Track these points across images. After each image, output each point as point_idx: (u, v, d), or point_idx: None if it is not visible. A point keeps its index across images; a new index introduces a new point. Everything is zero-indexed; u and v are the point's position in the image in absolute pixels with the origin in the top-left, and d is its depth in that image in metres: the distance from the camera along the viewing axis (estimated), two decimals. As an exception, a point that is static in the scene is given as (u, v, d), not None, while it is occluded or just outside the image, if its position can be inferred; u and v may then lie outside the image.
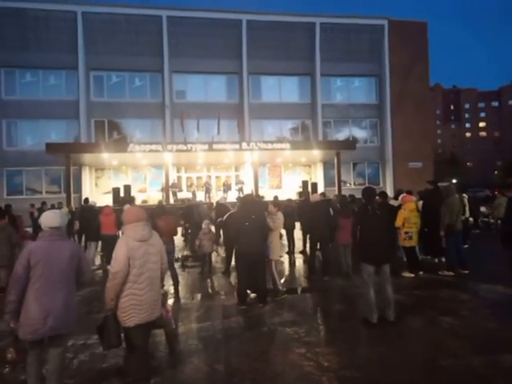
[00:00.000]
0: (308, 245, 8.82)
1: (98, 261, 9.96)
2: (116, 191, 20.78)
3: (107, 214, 9.12)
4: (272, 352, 4.23)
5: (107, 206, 9.71)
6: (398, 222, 7.37)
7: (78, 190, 22.26)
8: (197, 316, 5.52)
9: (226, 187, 22.94)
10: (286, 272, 8.50)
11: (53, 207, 12.97)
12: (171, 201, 21.01)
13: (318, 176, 25.99)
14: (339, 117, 26.95)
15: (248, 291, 6.19)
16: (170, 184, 21.50)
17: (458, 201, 7.65)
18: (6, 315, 3.04)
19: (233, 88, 25.69)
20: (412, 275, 7.44)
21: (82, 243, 10.93)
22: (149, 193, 23.94)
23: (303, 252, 10.40)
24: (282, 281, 7.18)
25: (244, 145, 20.43)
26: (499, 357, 3.90)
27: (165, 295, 3.92)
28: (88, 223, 9.89)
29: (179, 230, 11.22)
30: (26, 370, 3.17)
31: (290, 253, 10.39)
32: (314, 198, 8.25)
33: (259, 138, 23.23)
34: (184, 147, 19.87)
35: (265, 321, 5.21)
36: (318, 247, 7.73)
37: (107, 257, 8.82)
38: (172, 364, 3.95)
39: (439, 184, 8.95)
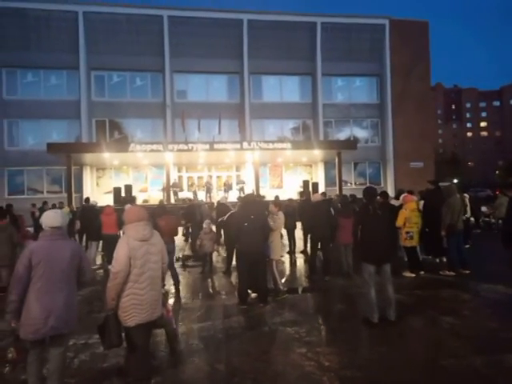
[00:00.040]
0: (309, 244, 8.82)
1: (98, 260, 9.98)
2: (117, 191, 20.79)
3: (108, 214, 9.12)
4: (273, 352, 4.23)
5: (108, 206, 9.72)
6: (399, 222, 7.36)
7: (79, 189, 22.27)
8: (198, 316, 5.52)
9: (227, 187, 22.95)
10: (287, 272, 8.49)
11: (54, 207, 12.98)
12: (172, 200, 21.02)
13: (318, 176, 25.98)
14: (340, 116, 26.93)
15: (249, 291, 6.19)
16: (170, 184, 21.51)
17: (459, 201, 7.63)
18: (7, 315, 3.05)
19: (234, 88, 25.68)
20: (413, 275, 7.44)
21: (83, 243, 10.94)
22: (150, 192, 23.96)
23: (304, 252, 10.40)
24: (283, 280, 7.17)
25: (245, 144, 20.42)
26: (500, 357, 3.90)
27: (165, 295, 3.92)
28: (89, 223, 9.90)
29: (180, 229, 11.23)
30: (27, 370, 3.18)
31: (291, 252, 10.39)
32: (315, 197, 8.25)
33: (260, 138, 23.22)
34: (185, 147, 19.87)
35: (266, 320, 5.21)
36: (319, 247, 7.73)
37: (108, 256, 8.83)
38: (173, 364, 3.95)
39: (440, 184, 8.94)
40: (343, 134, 27.15)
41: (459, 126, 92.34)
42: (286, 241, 10.69)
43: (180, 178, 24.57)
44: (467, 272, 7.43)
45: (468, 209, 10.73)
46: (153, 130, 24.72)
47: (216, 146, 20.12)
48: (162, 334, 4.26)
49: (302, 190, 22.93)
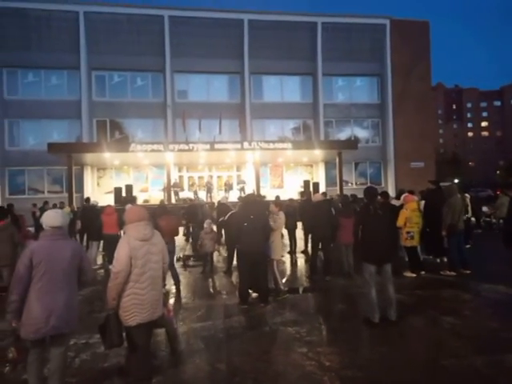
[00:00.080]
0: (310, 244, 8.82)
1: (99, 260, 9.98)
2: (118, 191, 20.81)
3: (109, 214, 9.13)
4: (274, 351, 4.23)
5: (109, 206, 9.73)
6: (400, 222, 7.36)
7: (80, 189, 22.27)
8: (198, 315, 5.52)
9: (228, 187, 22.96)
10: (288, 272, 8.49)
11: (55, 207, 12.99)
12: (173, 200, 21.02)
13: (319, 176, 25.97)
14: (341, 116, 26.92)
15: (250, 291, 6.19)
16: (171, 184, 21.52)
17: (459, 201, 7.62)
18: (7, 314, 3.05)
19: (234, 88, 25.68)
20: (414, 275, 7.43)
21: (84, 243, 10.95)
22: (150, 192, 23.97)
23: (305, 252, 10.40)
24: (284, 280, 7.17)
25: (246, 144, 20.42)
26: (501, 357, 3.89)
27: (166, 295, 3.93)
28: (90, 223, 9.91)
29: (181, 229, 11.23)
30: (27, 370, 3.18)
31: (292, 252, 10.39)
32: (316, 197, 8.25)
33: (261, 138, 23.21)
34: (186, 147, 19.89)
35: (266, 320, 5.21)
36: (320, 247, 7.73)
37: (109, 256, 8.83)
38: (173, 363, 3.95)
39: (441, 184, 8.93)
40: (344, 134, 27.13)
41: (460, 125, 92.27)
42: (286, 241, 10.69)
43: (181, 177, 24.58)
44: (468, 272, 7.42)
45: (469, 209, 10.71)
46: (153, 130, 24.73)
47: (217, 145, 20.13)
48: (163, 333, 4.26)
49: (302, 190, 22.91)
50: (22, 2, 22.53)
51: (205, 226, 8.50)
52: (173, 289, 6.72)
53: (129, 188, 21.12)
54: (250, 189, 21.22)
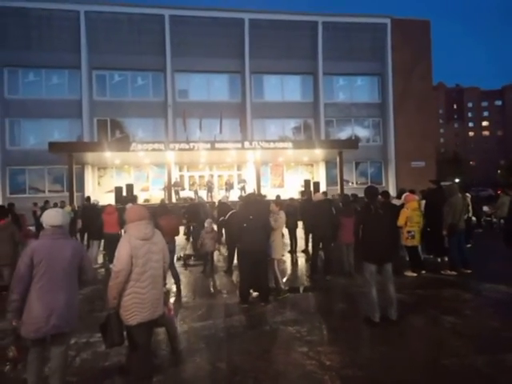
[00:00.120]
0: (310, 244, 8.82)
1: (100, 259, 9.99)
2: (118, 190, 20.80)
3: (110, 213, 9.14)
4: (274, 351, 4.23)
5: (110, 205, 9.75)
6: (401, 221, 7.34)
7: (81, 188, 22.28)
8: (199, 314, 5.52)
9: (228, 186, 22.98)
10: (289, 271, 8.49)
11: (55, 206, 13.00)
12: (173, 200, 21.02)
13: (320, 175, 25.96)
14: (341, 116, 26.90)
15: (250, 290, 6.19)
16: (172, 183, 21.53)
17: (460, 200, 7.62)
18: (8, 314, 3.05)
19: (235, 87, 25.67)
20: (414, 274, 7.43)
21: (85, 242, 10.96)
22: (151, 192, 23.98)
23: (305, 251, 10.40)
24: (285, 280, 7.17)
25: (246, 144, 20.44)
26: (502, 356, 3.89)
27: (167, 294, 3.93)
28: (90, 222, 9.92)
29: (181, 228, 11.23)
30: (27, 369, 3.17)
31: (292, 252, 10.39)
32: (316, 197, 8.25)
33: (261, 137, 23.22)
34: (186, 146, 19.90)
35: (267, 319, 5.21)
36: (321, 246, 7.73)
37: (110, 255, 8.84)
38: (174, 362, 3.95)
39: (442, 183, 8.93)
40: (344, 134, 27.12)
41: (461, 125, 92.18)
42: (287, 240, 10.69)
43: (181, 177, 24.59)
44: (469, 271, 7.42)
45: (470, 208, 10.70)
46: (154, 130, 24.74)
47: (217, 145, 20.14)
48: (164, 332, 4.26)
49: (303, 189, 22.92)
50: (22, 1, 22.54)
51: (205, 225, 8.50)
52: (173, 288, 6.73)
53: (129, 187, 21.12)
54: (250, 188, 21.23)
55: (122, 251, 3.20)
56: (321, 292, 6.61)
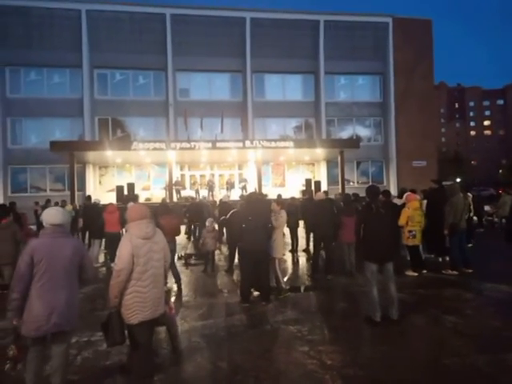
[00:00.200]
0: (311, 243, 8.82)
1: (101, 258, 10.00)
2: (120, 189, 20.85)
3: (111, 212, 9.15)
4: (275, 350, 4.23)
5: (111, 204, 9.75)
6: (402, 221, 7.34)
7: (82, 187, 22.32)
8: (200, 314, 5.52)
9: (230, 185, 22.98)
10: (290, 270, 8.49)
11: (57, 205, 13.02)
12: (175, 199, 21.05)
13: (321, 174, 25.95)
14: (343, 115, 26.88)
15: (251, 289, 6.19)
16: (173, 182, 21.55)
17: (462, 200, 7.61)
18: (8, 312, 3.05)
19: (236, 86, 25.67)
20: (415, 274, 7.42)
21: (86, 241, 10.98)
22: (152, 191, 24.00)
23: (306, 250, 10.40)
24: (285, 279, 7.18)
25: (247, 143, 20.43)
26: (503, 355, 3.89)
27: (168, 293, 3.93)
28: (91, 221, 9.93)
29: (182, 227, 11.25)
30: (26, 367, 3.17)
31: (293, 251, 10.39)
32: (318, 196, 8.24)
33: (263, 137, 23.22)
34: (187, 145, 19.89)
35: (268, 319, 5.21)
36: (322, 245, 7.72)
37: (111, 254, 8.85)
38: (175, 361, 3.96)
39: (444, 183, 8.92)
40: (346, 133, 27.10)
41: (462, 124, 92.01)
42: (288, 239, 10.69)
43: (182, 176, 24.62)
44: (470, 271, 7.41)
45: (471, 208, 10.69)
46: (155, 129, 24.76)
47: (218, 144, 20.14)
48: (165, 331, 4.27)
49: (304, 188, 22.93)
50: (24, 0, 22.53)
51: (207, 224, 8.51)
52: (174, 287, 6.73)
53: (131, 186, 21.16)
54: (251, 187, 21.23)
55: (124, 250, 3.20)
56: (322, 291, 6.61)
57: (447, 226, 7.35)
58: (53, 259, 3.11)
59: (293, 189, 23.07)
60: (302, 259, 9.71)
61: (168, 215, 6.90)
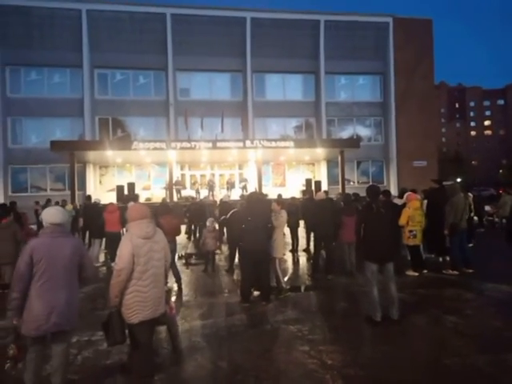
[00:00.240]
0: (312, 243, 8.81)
1: (102, 258, 10.00)
2: (120, 189, 20.85)
3: (111, 212, 9.15)
4: (275, 350, 4.23)
5: (111, 204, 9.75)
6: (402, 221, 7.33)
7: (83, 187, 22.33)
8: (200, 313, 5.52)
9: (230, 185, 22.98)
10: (290, 270, 8.49)
11: (57, 205, 13.02)
12: (175, 198, 21.05)
13: (321, 174, 25.95)
14: (343, 115, 26.87)
15: (251, 289, 6.18)
16: (173, 182, 21.55)
17: (462, 200, 7.60)
18: (9, 312, 3.05)
19: (237, 86, 25.67)
20: (416, 274, 7.42)
21: (87, 240, 10.98)
22: (153, 190, 24.00)
23: (306, 250, 10.40)
24: (286, 279, 7.18)
25: (248, 143, 20.44)
26: (504, 356, 3.88)
27: (169, 292, 3.92)
28: (91, 221, 9.94)
29: (183, 227, 11.25)
30: (26, 367, 3.17)
31: (294, 251, 10.38)
32: (318, 196, 8.24)
33: (263, 136, 23.22)
34: (188, 145, 19.90)
35: (268, 318, 5.21)
36: (322, 245, 7.72)
37: (111, 254, 8.85)
38: (175, 361, 3.96)
39: (444, 183, 8.91)
40: (346, 133, 27.09)
41: (463, 124, 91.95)
42: (288, 239, 10.69)
43: (183, 176, 24.62)
44: (470, 271, 7.40)
45: (472, 208, 10.68)
46: (156, 128, 24.76)
47: (219, 144, 20.14)
48: (165, 331, 4.27)
49: (304, 188, 22.92)
50: (25, 0, 22.53)
51: (207, 224, 8.51)
52: (175, 287, 6.73)
53: (131, 186, 21.16)
54: (252, 187, 21.23)
55: (124, 250, 3.20)
56: (322, 291, 6.61)
57: (448, 225, 7.35)
58: (52, 258, 3.11)
59: (293, 189, 23.08)
60: (303, 259, 9.71)
61: (168, 215, 6.90)
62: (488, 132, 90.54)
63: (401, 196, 8.85)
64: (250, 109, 25.05)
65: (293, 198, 11.49)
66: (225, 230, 9.89)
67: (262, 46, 24.85)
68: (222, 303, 6.02)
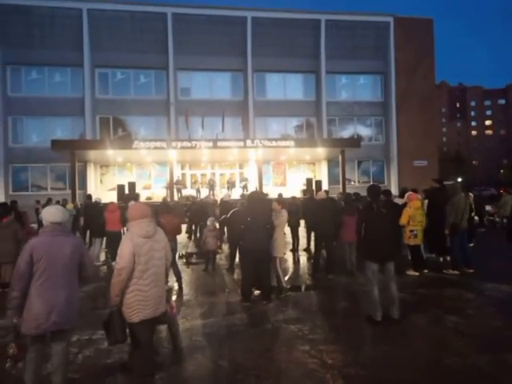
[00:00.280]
0: (312, 242, 8.81)
1: (102, 257, 10.00)
2: (121, 188, 20.88)
3: (112, 211, 9.15)
4: (276, 349, 4.23)
5: (112, 203, 9.76)
6: (403, 220, 7.33)
7: (83, 186, 22.36)
8: (201, 312, 5.53)
9: (230, 184, 22.98)
10: (290, 269, 8.50)
11: (58, 204, 13.03)
12: (175, 198, 21.05)
13: (322, 174, 25.94)
14: (344, 114, 26.86)
15: (252, 288, 6.19)
16: (174, 181, 21.56)
17: (463, 199, 7.60)
18: (9, 311, 3.06)
19: (237, 85, 25.67)
20: (416, 273, 7.41)
21: (87, 239, 10.98)
22: (153, 190, 24.01)
23: (307, 249, 10.40)
24: (286, 278, 7.18)
25: (248, 142, 20.44)
26: (505, 355, 3.88)
27: (169, 291, 3.93)
28: (92, 220, 9.94)
29: (183, 226, 11.25)
30: (26, 366, 3.17)
31: (294, 250, 10.39)
32: (319, 195, 8.23)
33: (264, 136, 23.22)
34: (188, 144, 19.92)
35: (269, 318, 5.21)
36: (323, 245, 7.72)
37: (112, 253, 8.86)
38: (176, 360, 3.96)
39: (445, 182, 8.90)
40: (347, 132, 27.08)
41: (464, 124, 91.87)
42: (289, 238, 10.69)
43: (183, 175, 24.64)
44: (471, 271, 7.40)
45: (472, 207, 10.67)
46: (156, 128, 24.77)
47: (219, 143, 20.15)
48: (166, 330, 4.27)
49: (305, 188, 22.92)
50: (25, -1, 22.56)
51: (208, 223, 8.52)
52: (175, 286, 6.74)
53: (132, 185, 21.18)
54: (252, 186, 21.23)
55: (125, 249, 3.20)
56: (323, 290, 6.61)
57: (448, 225, 7.34)
58: (52, 257, 3.11)
59: (293, 188, 23.08)
60: (303, 258, 9.71)
61: (169, 214, 6.91)
62: (489, 132, 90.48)
63: (401, 196, 8.84)
64: (251, 108, 25.05)
65: (293, 198, 11.49)
66: (225, 229, 9.90)
67: (263, 46, 24.84)
68: (223, 302, 6.02)
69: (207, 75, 25.26)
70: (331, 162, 25.44)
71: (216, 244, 8.49)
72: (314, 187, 21.83)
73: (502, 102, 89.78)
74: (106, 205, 9.93)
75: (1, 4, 22.05)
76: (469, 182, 40.13)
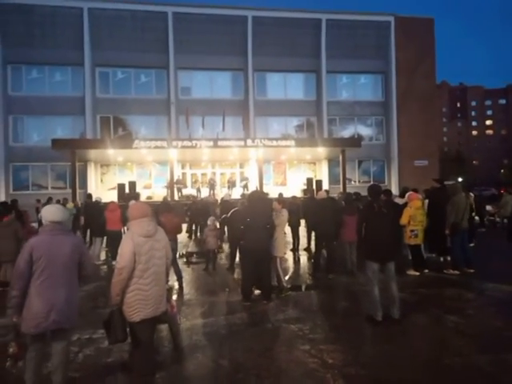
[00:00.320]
0: (313, 242, 8.81)
1: (103, 256, 10.01)
2: (121, 187, 20.87)
3: (112, 210, 9.16)
4: (276, 348, 4.23)
5: (112, 202, 9.76)
6: (404, 220, 7.32)
7: (84, 185, 22.38)
8: (201, 312, 5.53)
9: (231, 184, 22.98)
10: (291, 269, 8.50)
11: (58, 203, 13.03)
12: (176, 197, 21.06)
13: (322, 173, 25.93)
14: (344, 114, 26.84)
15: (252, 288, 6.19)
16: (174, 180, 21.56)
17: (463, 199, 7.60)
18: (8, 310, 3.06)
19: (238, 85, 25.65)
20: (417, 273, 7.41)
21: (88, 239, 10.98)
22: (154, 189, 24.00)
23: (307, 249, 10.40)
24: (287, 278, 7.18)
25: (249, 142, 20.43)
26: (505, 355, 3.88)
27: (170, 291, 3.93)
28: (92, 219, 9.94)
29: (184, 225, 11.24)
30: (26, 365, 3.17)
31: (295, 250, 10.39)
32: (320, 195, 8.23)
33: (264, 135, 23.20)
34: (189, 144, 19.90)
35: (269, 317, 5.22)
36: (323, 244, 7.72)
37: (112, 252, 8.86)
38: (176, 359, 3.96)
39: (445, 182, 8.90)
40: (347, 132, 27.06)
41: (464, 124, 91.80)
42: (289, 238, 10.69)
43: (184, 174, 24.63)
44: (471, 271, 7.40)
45: (473, 207, 10.67)
46: (157, 127, 24.77)
47: (220, 142, 20.13)
48: (166, 329, 4.27)
49: (305, 187, 22.91)
50: (26, -2, 22.55)
51: (209, 223, 8.52)
52: (176, 285, 6.74)
53: (132, 184, 21.16)
54: (253, 186, 21.22)
55: (125, 248, 3.20)
56: (323, 290, 6.61)
57: (449, 225, 7.34)
58: (52, 256, 3.11)
59: (294, 188, 23.06)
60: (304, 258, 9.71)
61: (169, 213, 6.91)
62: (489, 131, 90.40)
63: (402, 195, 8.83)
64: (252, 107, 25.04)
65: (294, 197, 11.49)
66: (226, 228, 9.91)
67: (264, 45, 24.82)
68: (223, 302, 6.03)
69: (208, 74, 25.25)
70: (332, 162, 25.43)
71: (216, 243, 8.49)
72: (314, 187, 21.81)
73: (502, 101, 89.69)
74: (106, 204, 9.93)
75: (1, 3, 22.06)
76: (469, 182, 40.12)
